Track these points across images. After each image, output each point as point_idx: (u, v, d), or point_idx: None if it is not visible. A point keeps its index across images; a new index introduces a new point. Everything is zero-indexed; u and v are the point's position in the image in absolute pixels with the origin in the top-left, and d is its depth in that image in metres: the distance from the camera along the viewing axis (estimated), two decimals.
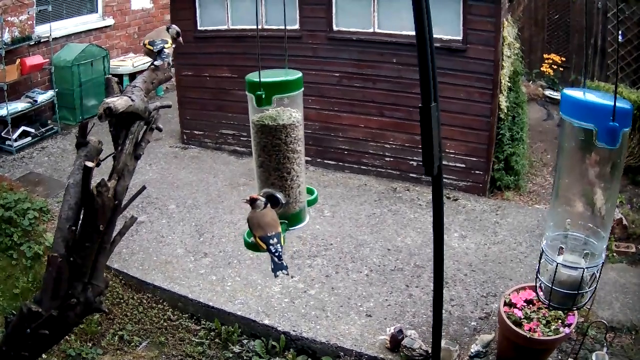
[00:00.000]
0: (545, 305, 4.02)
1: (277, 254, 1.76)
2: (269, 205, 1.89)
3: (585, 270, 1.88)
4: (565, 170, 1.98)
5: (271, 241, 1.78)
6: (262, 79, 1.85)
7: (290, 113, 1.93)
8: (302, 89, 1.96)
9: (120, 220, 2.28)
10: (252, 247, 1.87)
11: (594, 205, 1.91)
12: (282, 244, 1.81)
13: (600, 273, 1.93)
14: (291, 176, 1.96)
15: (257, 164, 1.97)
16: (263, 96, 1.84)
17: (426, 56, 1.47)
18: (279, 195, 1.94)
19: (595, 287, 1.95)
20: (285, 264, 1.75)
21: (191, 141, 8.06)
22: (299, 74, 1.92)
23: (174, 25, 2.40)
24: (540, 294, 2.03)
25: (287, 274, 1.75)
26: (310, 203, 2.14)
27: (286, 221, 1.96)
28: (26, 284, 5.21)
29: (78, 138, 2.20)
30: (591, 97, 1.79)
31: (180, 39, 2.41)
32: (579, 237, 1.92)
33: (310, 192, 2.17)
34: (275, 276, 1.76)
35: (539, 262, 2.01)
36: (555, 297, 1.95)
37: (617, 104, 1.64)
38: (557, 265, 1.90)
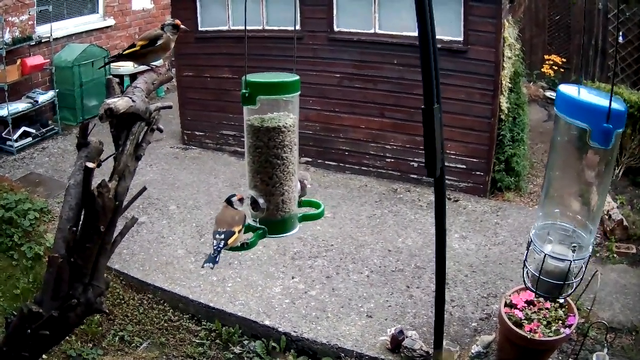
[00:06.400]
0: (547, 306, 4.03)
1: (215, 248, 1.84)
2: (233, 205, 1.96)
3: (573, 262, 1.89)
4: (557, 164, 1.99)
5: (217, 236, 1.86)
6: (253, 79, 1.84)
7: (280, 118, 1.91)
8: (297, 93, 1.91)
9: (121, 221, 2.28)
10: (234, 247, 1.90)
11: (584, 199, 1.92)
12: (230, 242, 1.85)
13: (587, 265, 1.94)
14: (273, 182, 1.92)
15: (247, 164, 1.97)
16: (247, 95, 1.83)
17: (429, 57, 1.47)
18: (260, 200, 1.93)
19: (582, 278, 1.96)
20: (217, 260, 1.82)
21: (192, 142, 8.06)
22: (295, 78, 1.89)
23: (166, 22, 2.36)
24: (527, 281, 2.04)
25: (212, 268, 1.83)
26: (314, 217, 2.11)
27: (264, 227, 1.94)
28: (27, 284, 5.21)
29: (79, 139, 2.19)
30: (586, 95, 1.79)
31: (181, 26, 2.37)
32: (567, 228, 1.93)
33: (316, 205, 2.14)
34: (202, 266, 1.87)
35: (527, 251, 2.02)
36: (542, 286, 1.97)
37: (612, 105, 1.64)
38: (545, 256, 1.91)
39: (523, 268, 2.05)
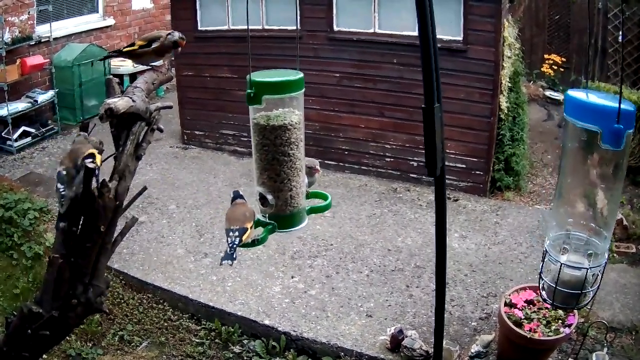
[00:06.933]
0: (547, 306, 4.04)
1: (231, 245, 1.83)
2: (241, 200, 1.97)
3: (589, 270, 1.88)
4: (568, 171, 1.98)
5: (230, 233, 1.85)
6: (258, 79, 1.85)
7: (285, 115, 1.92)
8: (301, 91, 1.92)
9: (121, 221, 2.28)
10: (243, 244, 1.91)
11: (597, 206, 1.91)
12: (244, 239, 1.85)
13: (603, 273, 1.93)
14: (281, 178, 1.93)
15: (254, 162, 1.98)
16: (252, 95, 1.83)
17: (429, 56, 1.47)
18: (268, 196, 1.94)
19: (598, 287, 1.95)
20: (234, 257, 1.81)
21: (192, 141, 8.06)
22: (299, 76, 1.90)
23: (175, 33, 2.37)
24: (544, 293, 2.03)
25: (231, 264, 1.82)
26: (323, 209, 2.12)
27: (274, 222, 1.95)
28: (26, 284, 5.21)
29: None
30: (594, 98, 1.78)
31: (180, 48, 2.39)
32: (581, 237, 1.92)
33: (323, 197, 2.15)
34: (220, 264, 1.85)
35: (542, 262, 2.01)
36: (558, 296, 1.95)
37: (621, 106, 1.64)
38: (561, 266, 1.90)
39: (539, 280, 2.04)
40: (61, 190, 1.99)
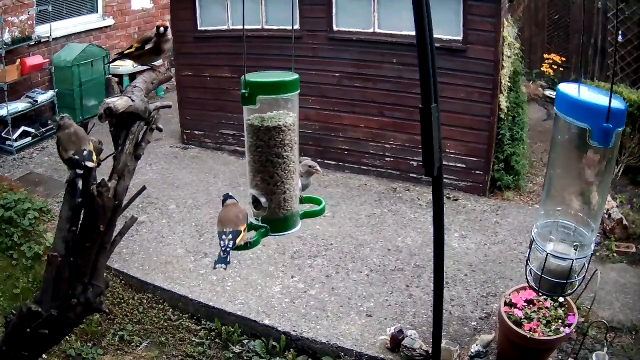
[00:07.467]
0: (547, 305, 4.04)
1: (224, 249, 1.81)
2: (232, 200, 1.96)
3: (575, 261, 1.89)
4: (557, 162, 1.98)
5: (223, 236, 1.84)
6: (253, 79, 1.84)
7: (280, 117, 1.91)
8: (296, 92, 1.91)
9: (121, 220, 2.28)
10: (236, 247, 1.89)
11: (585, 198, 1.92)
12: (238, 241, 1.83)
13: (589, 263, 1.94)
14: (274, 181, 1.92)
15: (247, 164, 1.97)
16: (246, 95, 1.83)
17: (426, 56, 1.47)
18: (261, 199, 1.93)
19: (584, 277, 1.96)
20: (228, 260, 1.80)
21: (191, 141, 8.06)
22: (294, 77, 1.89)
23: (160, 26, 2.38)
24: (530, 280, 2.04)
25: (225, 268, 1.80)
26: (316, 214, 2.11)
27: (267, 225, 1.94)
28: (26, 284, 5.21)
29: None
30: (585, 93, 1.78)
31: (161, 28, 2.38)
32: (568, 226, 1.93)
33: (317, 202, 2.14)
34: (214, 268, 1.84)
35: (529, 250, 2.02)
36: (544, 284, 1.97)
37: (612, 104, 1.64)
38: (546, 255, 1.91)
39: (525, 267, 2.05)
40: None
